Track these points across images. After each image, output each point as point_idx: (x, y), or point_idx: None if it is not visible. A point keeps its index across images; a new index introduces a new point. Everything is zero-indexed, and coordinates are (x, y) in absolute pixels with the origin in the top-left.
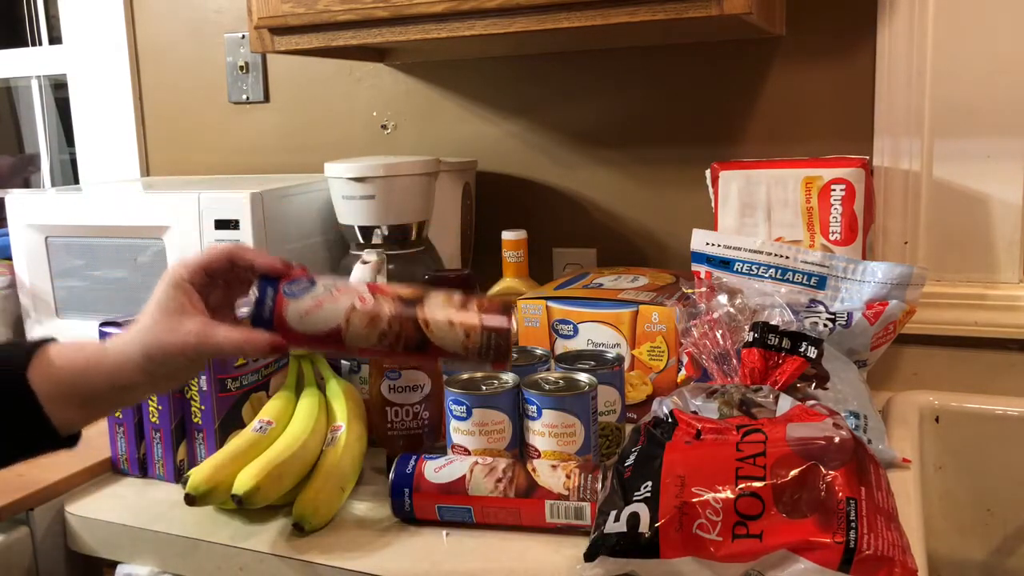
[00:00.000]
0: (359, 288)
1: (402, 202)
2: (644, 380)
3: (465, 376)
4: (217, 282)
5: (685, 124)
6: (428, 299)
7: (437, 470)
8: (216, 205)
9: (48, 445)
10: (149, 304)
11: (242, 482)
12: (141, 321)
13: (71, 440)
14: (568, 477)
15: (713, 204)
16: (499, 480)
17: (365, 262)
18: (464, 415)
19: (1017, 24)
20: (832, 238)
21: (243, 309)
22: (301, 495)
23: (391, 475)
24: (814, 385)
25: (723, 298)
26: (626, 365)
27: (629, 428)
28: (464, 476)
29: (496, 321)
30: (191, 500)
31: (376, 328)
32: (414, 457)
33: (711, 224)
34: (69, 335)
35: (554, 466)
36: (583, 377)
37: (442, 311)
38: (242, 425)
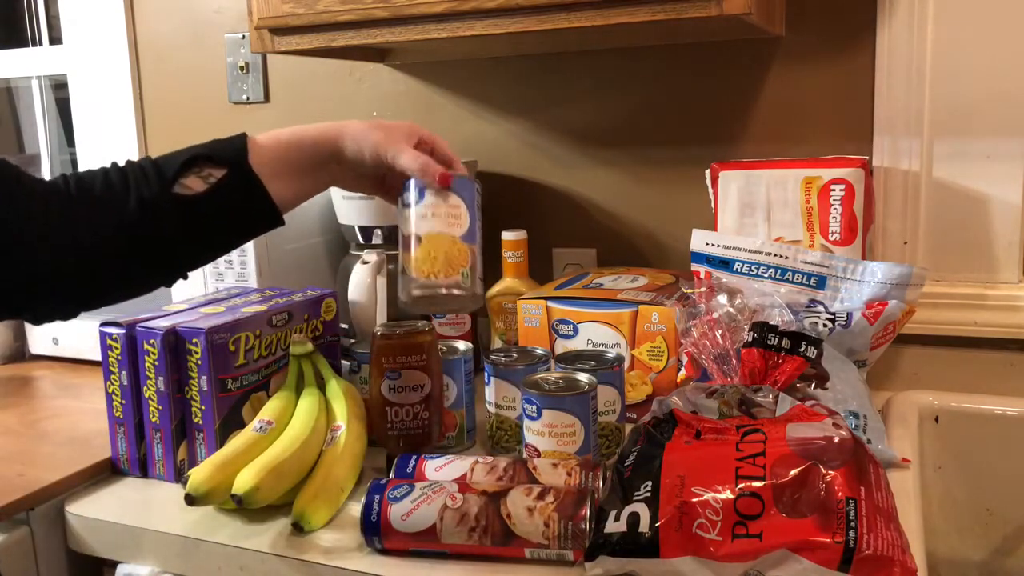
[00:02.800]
0: (450, 488)
1: None
2: (644, 380)
3: None
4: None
5: (685, 124)
6: (510, 493)
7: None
8: None
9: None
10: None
11: (242, 482)
12: (353, 122)
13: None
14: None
15: (713, 204)
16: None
17: (365, 262)
18: None
19: (1017, 24)
20: (832, 238)
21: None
22: (301, 495)
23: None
24: (814, 385)
25: (723, 298)
26: (626, 365)
27: (629, 428)
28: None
29: (571, 509)
30: (191, 500)
31: (466, 525)
32: (414, 457)
33: (711, 224)
34: (69, 334)
35: (555, 464)
36: (583, 377)
37: (522, 502)
38: (242, 425)
